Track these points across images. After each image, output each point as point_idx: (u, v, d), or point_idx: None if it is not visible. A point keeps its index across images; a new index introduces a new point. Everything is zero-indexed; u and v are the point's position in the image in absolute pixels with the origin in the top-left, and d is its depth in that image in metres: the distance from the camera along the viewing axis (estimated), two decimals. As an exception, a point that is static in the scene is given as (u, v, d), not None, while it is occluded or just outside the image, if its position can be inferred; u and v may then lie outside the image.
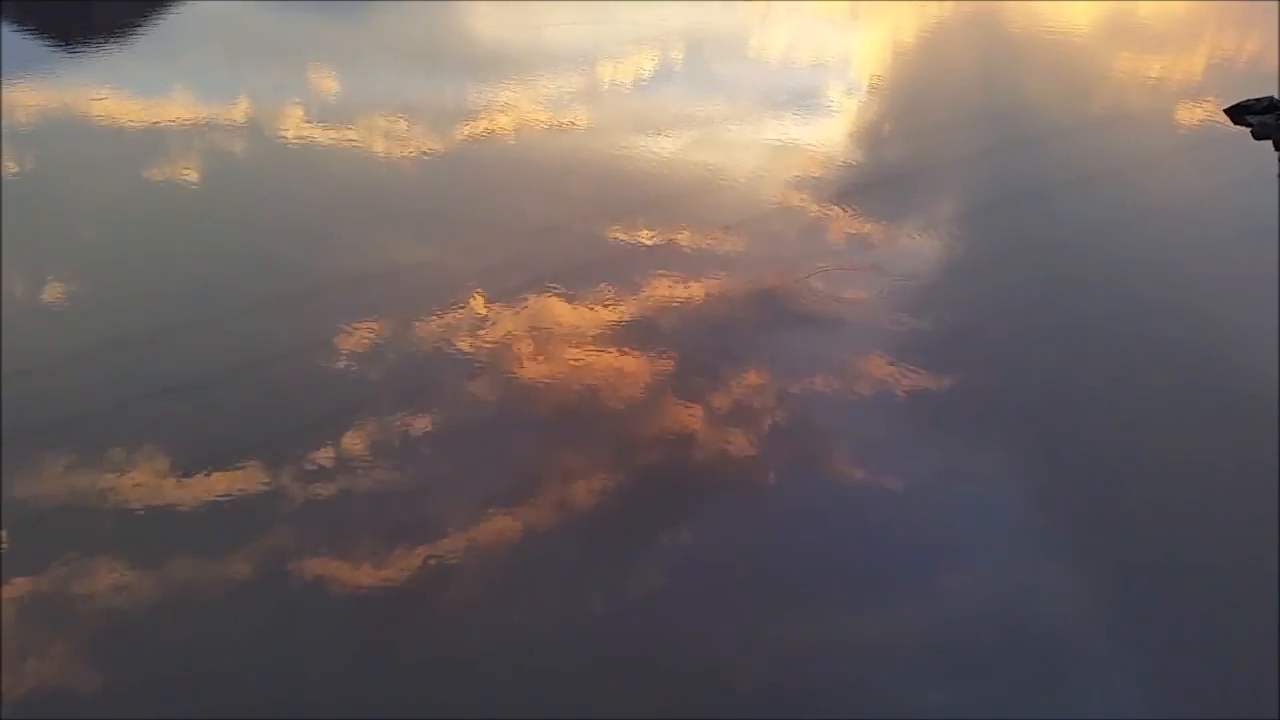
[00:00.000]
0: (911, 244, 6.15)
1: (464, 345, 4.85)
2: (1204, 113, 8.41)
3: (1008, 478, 3.95)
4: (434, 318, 5.11)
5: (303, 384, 4.58)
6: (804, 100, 9.22)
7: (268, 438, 4.10)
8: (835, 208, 6.63)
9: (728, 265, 5.76)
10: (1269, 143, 7.63)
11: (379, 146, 7.88)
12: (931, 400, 4.45)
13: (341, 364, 4.69)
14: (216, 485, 3.82)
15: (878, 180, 7.16)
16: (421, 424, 4.21)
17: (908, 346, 4.93)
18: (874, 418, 4.31)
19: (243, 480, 3.84)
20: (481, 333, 4.97)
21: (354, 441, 4.08)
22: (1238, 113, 8.15)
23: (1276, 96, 8.11)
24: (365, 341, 4.88)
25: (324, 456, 3.99)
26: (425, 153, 7.74)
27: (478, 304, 5.26)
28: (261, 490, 3.79)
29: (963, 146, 7.95)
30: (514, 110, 8.85)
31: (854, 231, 6.32)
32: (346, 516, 3.67)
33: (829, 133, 8.31)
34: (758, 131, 8.33)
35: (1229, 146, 7.73)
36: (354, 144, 7.93)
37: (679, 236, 6.13)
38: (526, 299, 5.33)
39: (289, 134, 8.13)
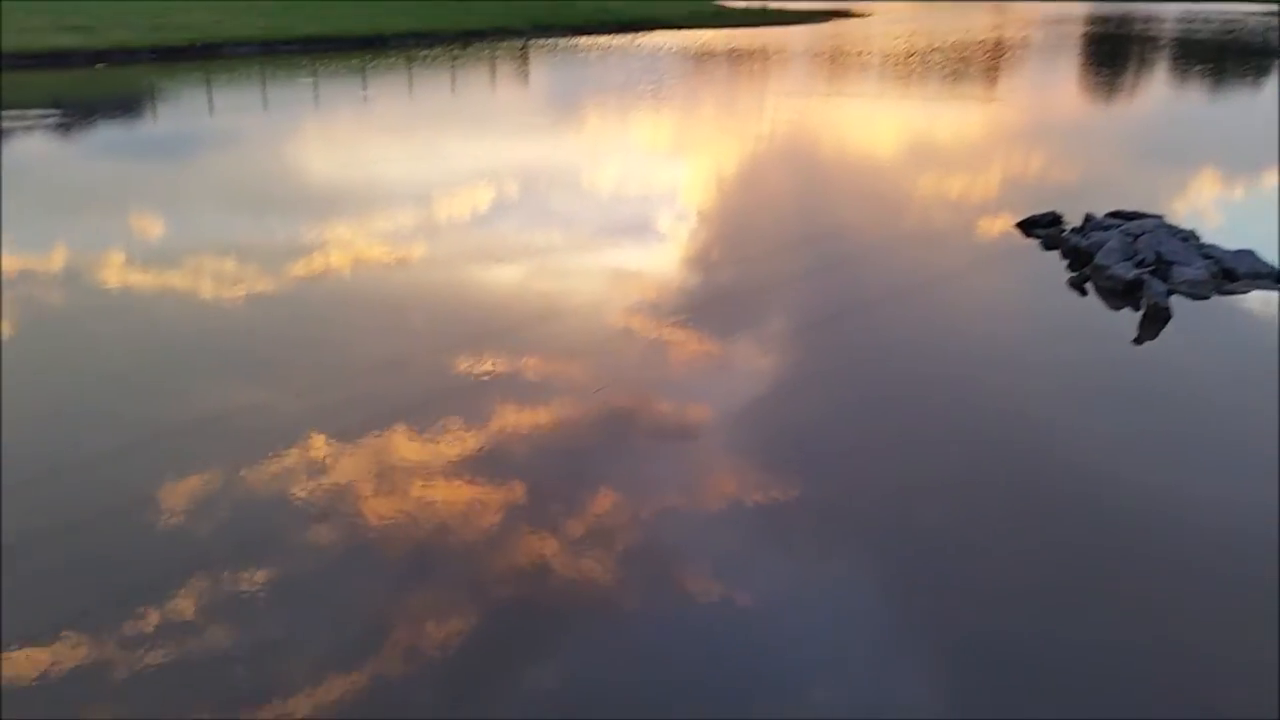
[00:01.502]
0: (748, 359, 6.36)
1: (302, 490, 4.63)
2: (1001, 226, 9.21)
3: (861, 586, 4.02)
4: (268, 464, 4.87)
5: (125, 545, 4.24)
6: (637, 229, 9.57)
7: (86, 606, 3.75)
8: (673, 328, 6.81)
9: (573, 390, 5.79)
10: (1058, 251, 8.41)
11: (206, 290, 7.62)
12: (781, 511, 4.53)
13: (167, 520, 4.38)
14: (32, 660, 3.44)
15: (712, 301, 7.41)
16: (258, 578, 3.95)
17: (753, 457, 5.03)
18: (725, 532, 4.34)
19: (61, 654, 3.48)
20: (321, 476, 4.77)
21: (184, 603, 3.78)
22: (1028, 226, 8.98)
23: (1058, 211, 9.00)
24: (192, 494, 4.59)
25: (150, 622, 3.67)
26: (256, 294, 7.53)
27: (316, 446, 5.06)
28: (82, 664, 3.44)
29: (788, 266, 8.38)
30: (349, 247, 8.78)
31: (693, 350, 6.49)
32: (180, 686, 3.36)
33: (663, 259, 8.62)
34: (595, 260, 8.55)
35: (1024, 256, 8.45)
36: (180, 288, 7.65)
37: (523, 365, 6.14)
38: (368, 437, 5.17)
39: (110, 281, 7.77)
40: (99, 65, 22.77)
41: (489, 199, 10.88)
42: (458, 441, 5.13)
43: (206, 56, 25.75)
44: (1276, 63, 26.85)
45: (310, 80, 22.30)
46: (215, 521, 4.38)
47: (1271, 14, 51.22)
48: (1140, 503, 4.60)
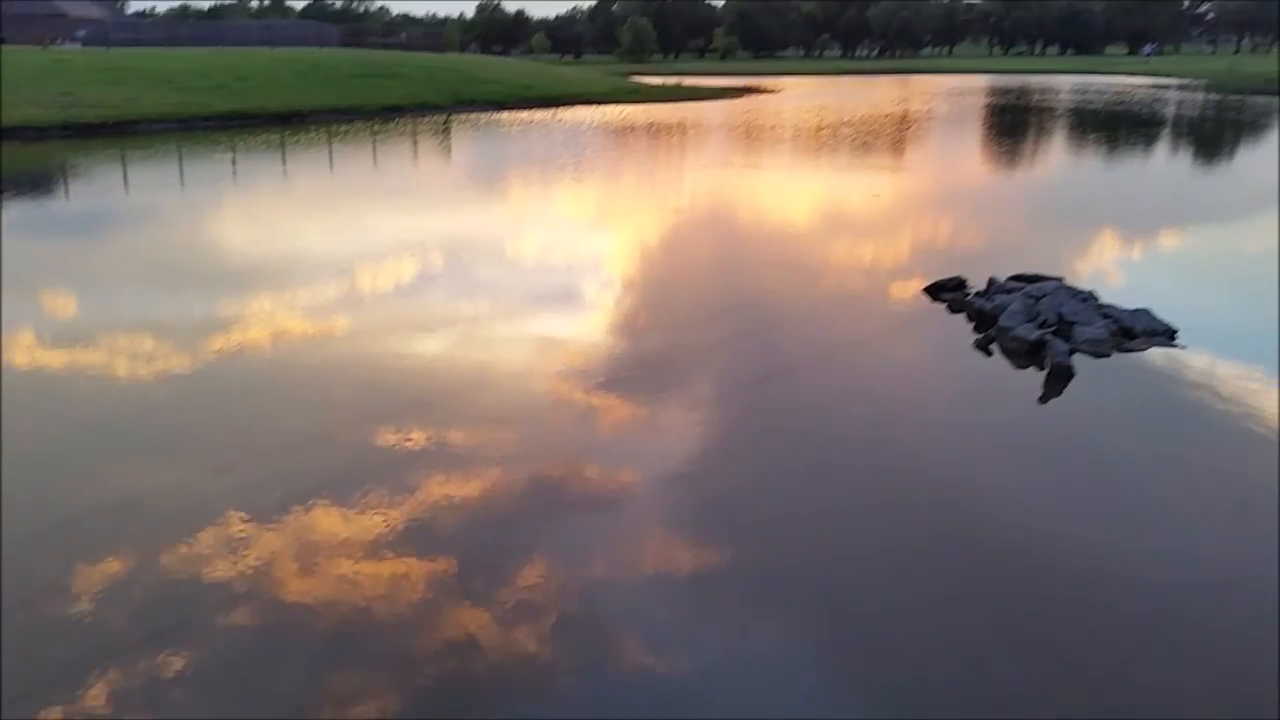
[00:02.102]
0: (675, 425, 6.43)
1: (220, 571, 4.51)
2: (910, 291, 9.54)
3: (794, 652, 4.06)
4: (185, 545, 4.74)
5: (34, 635, 4.07)
6: (563, 297, 9.67)
7: (-14, 703, 3.58)
8: (601, 395, 6.87)
9: (501, 460, 5.78)
10: (964, 314, 8.74)
11: (122, 368, 7.44)
12: (711, 579, 4.56)
13: (78, 609, 4.22)
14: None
15: (638, 367, 7.51)
16: (174, 666, 3.83)
17: (682, 525, 5.08)
18: (656, 602, 4.36)
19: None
20: (240, 556, 4.65)
21: (96, 696, 3.63)
22: (935, 291, 9.33)
23: (963, 276, 9.37)
24: (106, 580, 4.44)
25: (58, 715, 3.52)
26: (172, 371, 7.38)
27: (234, 525, 4.95)
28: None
29: (711, 332, 8.55)
30: (269, 321, 8.68)
31: (621, 416, 6.55)
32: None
33: (589, 326, 8.71)
34: (522, 328, 8.60)
35: (933, 320, 8.76)
36: (94, 367, 7.46)
37: (450, 435, 6.11)
38: (290, 514, 5.07)
39: (20, 361, 7.54)
40: None
41: (413, 270, 10.89)
42: (382, 515, 5.07)
43: (121, 134, 25.40)
44: (1163, 131, 28.54)
45: (228, 156, 22.13)
46: (129, 608, 4.24)
47: (1157, 85, 54.58)
48: (1057, 554, 4.76)
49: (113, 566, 4.55)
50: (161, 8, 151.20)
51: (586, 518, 5.14)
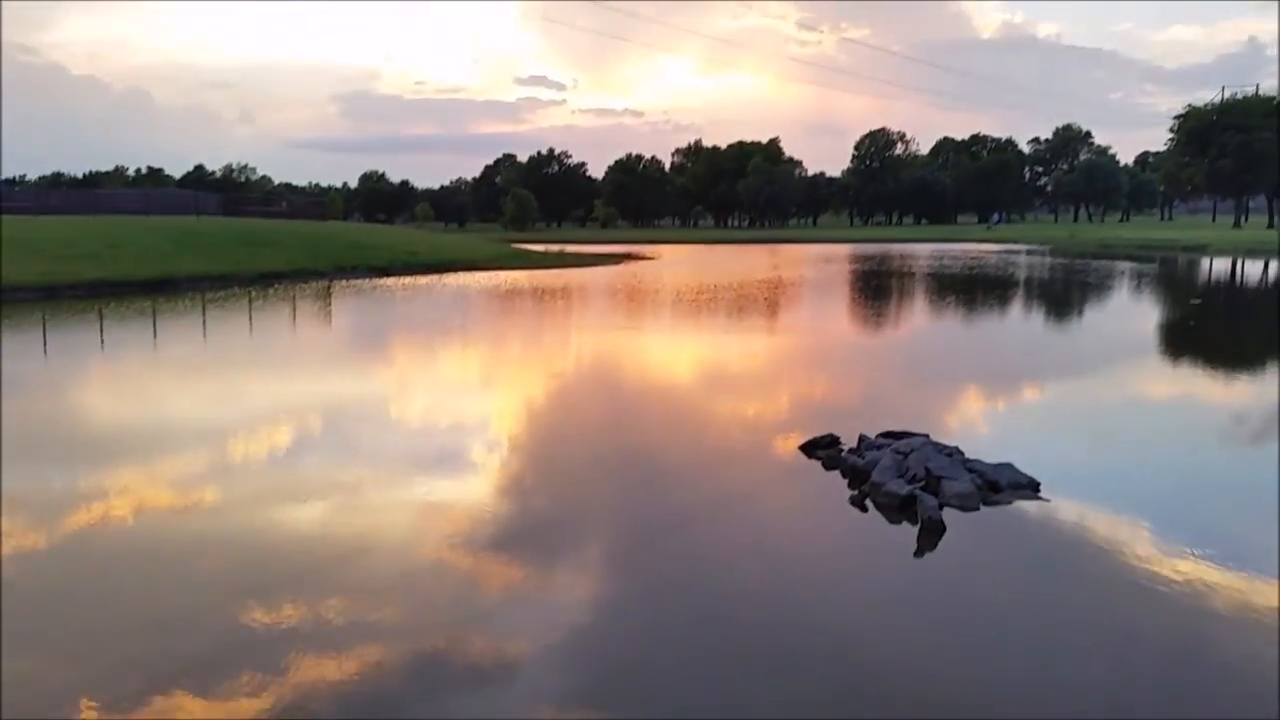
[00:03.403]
0: (562, 588, 6.34)
1: (69, 770, 4.13)
2: (787, 447, 9.83)
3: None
4: (30, 742, 4.34)
5: None
6: (447, 460, 9.55)
7: None
8: (487, 560, 6.73)
9: (380, 635, 5.55)
10: (838, 470, 9.03)
11: (-37, 548, 6.92)
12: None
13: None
14: None
15: (524, 529, 7.42)
16: None
17: (573, 696, 4.95)
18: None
19: None
20: (92, 751, 4.28)
21: None
22: (810, 448, 9.64)
23: (835, 434, 9.73)
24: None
25: None
26: (24, 551, 6.90)
27: (88, 716, 4.57)
28: None
29: (596, 490, 8.57)
30: (132, 494, 8.27)
31: (506, 581, 6.42)
32: None
33: (473, 488, 8.60)
34: (404, 494, 8.42)
35: (808, 476, 9.00)
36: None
37: (325, 610, 5.85)
38: (148, 704, 4.72)
39: None
40: None
41: (289, 437, 10.62)
42: (250, 701, 4.77)
43: (-22, 300, 24.38)
44: (1017, 291, 30.82)
45: (94, 324, 21.44)
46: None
47: (1008, 251, 59.29)
48: (946, 701, 4.83)
49: (-59, 773, 4.12)
50: (33, 174, 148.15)
51: (472, 696, 4.95)
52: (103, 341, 18.89)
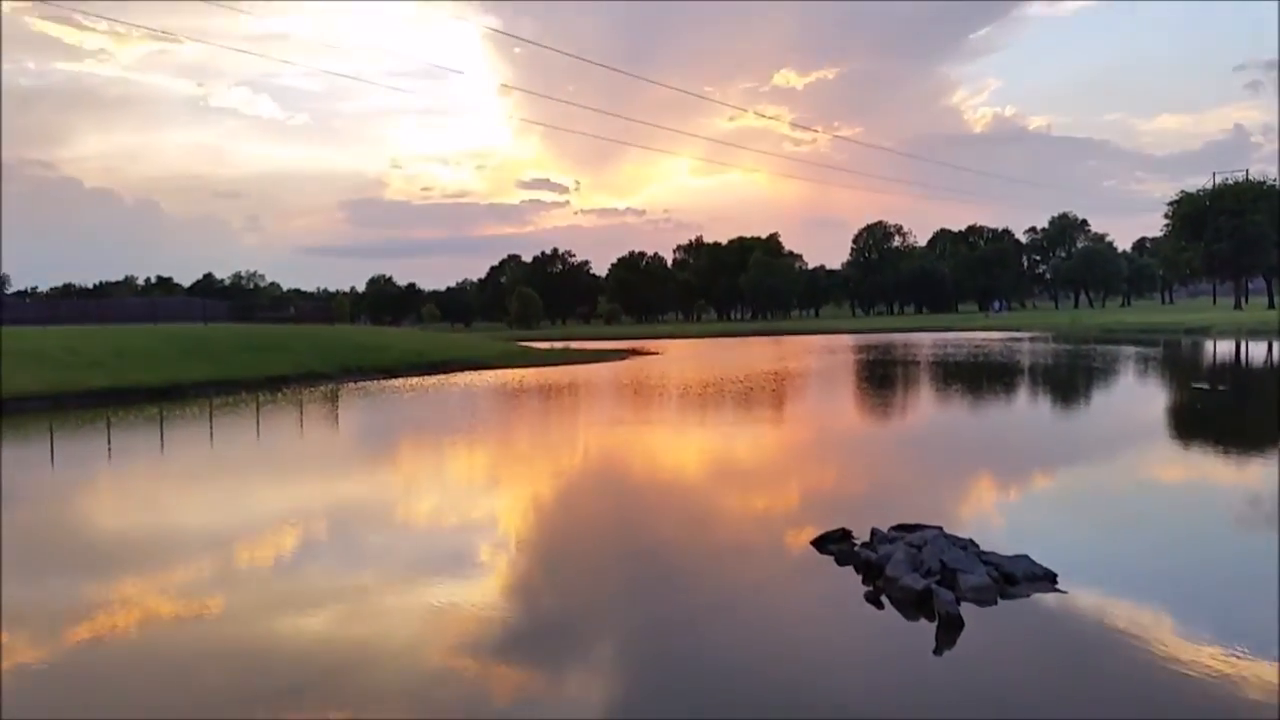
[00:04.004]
0: (575, 690, 6.20)
1: None
2: (799, 541, 9.70)
3: None
4: None
5: None
6: (456, 562, 9.44)
7: None
8: (494, 665, 6.59)
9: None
10: (851, 565, 8.89)
11: (-36, 664, 6.80)
12: None
13: None
14: None
15: (533, 631, 7.29)
16: None
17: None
18: None
19: None
20: None
21: None
22: (821, 543, 9.51)
23: (847, 527, 9.62)
24: None
25: None
26: (26, 666, 6.78)
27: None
28: None
29: (607, 588, 8.44)
30: (135, 605, 8.16)
31: (516, 686, 6.27)
32: None
33: (482, 590, 8.47)
34: (412, 598, 8.29)
35: (821, 572, 8.85)
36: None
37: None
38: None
39: None
40: None
41: (296, 544, 10.52)
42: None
43: (-13, 411, 24.49)
44: (1023, 378, 30.82)
45: (102, 432, 21.48)
46: None
47: (1011, 338, 59.55)
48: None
49: None
50: (45, 285, 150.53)
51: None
52: (110, 450, 18.88)
